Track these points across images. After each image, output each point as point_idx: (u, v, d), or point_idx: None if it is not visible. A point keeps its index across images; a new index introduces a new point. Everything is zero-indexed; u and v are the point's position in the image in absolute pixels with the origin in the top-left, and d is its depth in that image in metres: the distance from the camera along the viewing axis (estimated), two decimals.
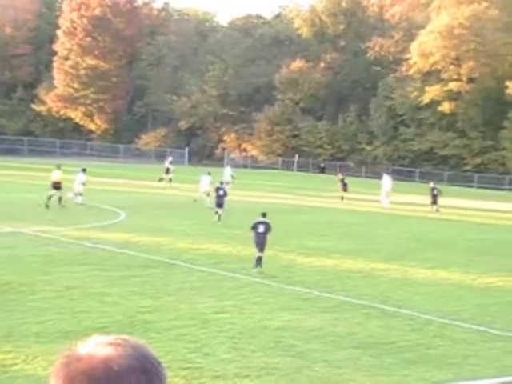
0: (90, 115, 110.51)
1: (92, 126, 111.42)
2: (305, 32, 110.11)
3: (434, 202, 49.78)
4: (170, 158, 63.42)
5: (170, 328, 16.64)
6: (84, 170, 44.05)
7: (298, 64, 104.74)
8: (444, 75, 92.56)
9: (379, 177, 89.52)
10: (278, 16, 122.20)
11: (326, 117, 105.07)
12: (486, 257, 29.96)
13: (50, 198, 39.93)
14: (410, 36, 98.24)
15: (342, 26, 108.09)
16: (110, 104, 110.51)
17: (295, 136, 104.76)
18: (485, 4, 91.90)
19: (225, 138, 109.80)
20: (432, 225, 41.79)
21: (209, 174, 46.30)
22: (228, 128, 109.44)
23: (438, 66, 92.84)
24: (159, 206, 43.32)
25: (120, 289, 20.36)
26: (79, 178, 43.34)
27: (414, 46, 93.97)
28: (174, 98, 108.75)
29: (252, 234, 25.55)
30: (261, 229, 25.32)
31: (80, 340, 1.86)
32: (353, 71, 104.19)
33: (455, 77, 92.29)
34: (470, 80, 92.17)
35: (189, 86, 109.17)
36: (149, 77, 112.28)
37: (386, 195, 53.98)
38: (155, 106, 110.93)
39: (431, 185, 51.72)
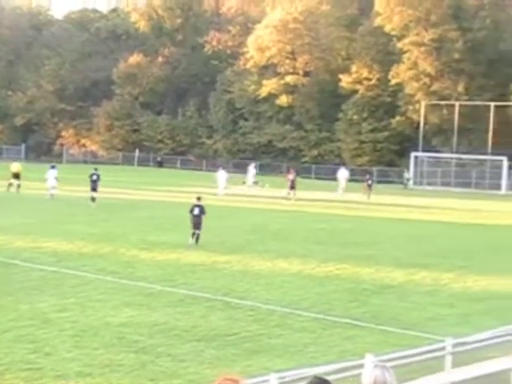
0: None
1: None
2: (142, 26, 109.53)
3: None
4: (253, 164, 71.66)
5: (8, 329, 16.23)
6: (53, 167, 48.50)
7: (135, 58, 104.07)
8: (280, 69, 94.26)
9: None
10: (114, 10, 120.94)
11: (166, 111, 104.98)
12: (324, 246, 30.74)
13: (10, 185, 49.58)
14: (246, 30, 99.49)
15: (179, 20, 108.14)
16: None
17: (135, 131, 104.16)
18: None
19: (63, 133, 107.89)
20: (273, 216, 42.49)
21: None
22: (66, 123, 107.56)
23: (275, 60, 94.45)
24: None
25: None
26: (52, 173, 47.16)
27: (251, 40, 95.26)
28: (9, 93, 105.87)
29: (189, 216, 29.92)
30: (196, 211, 29.77)
31: None
32: (191, 65, 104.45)
33: (291, 70, 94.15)
34: (306, 73, 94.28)
35: (24, 81, 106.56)
36: None
37: (341, 188, 62.83)
38: None
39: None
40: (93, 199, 43.57)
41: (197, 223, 29.58)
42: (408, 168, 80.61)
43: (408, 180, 79.33)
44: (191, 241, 29.41)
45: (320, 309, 19.54)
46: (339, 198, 58.18)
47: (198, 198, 30.73)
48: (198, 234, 29.53)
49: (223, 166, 67.79)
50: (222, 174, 58.32)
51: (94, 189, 44.15)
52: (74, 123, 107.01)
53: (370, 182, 61.46)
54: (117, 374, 13.70)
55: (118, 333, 16.33)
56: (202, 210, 29.90)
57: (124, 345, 15.49)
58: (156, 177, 75.16)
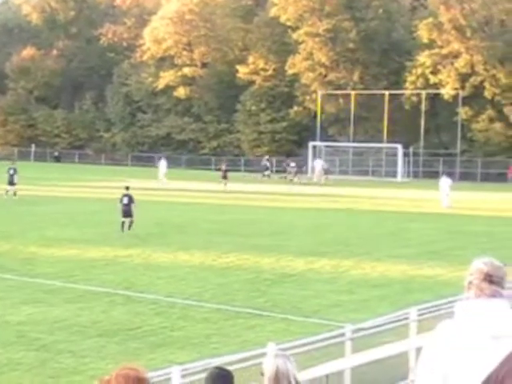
0: None
1: None
2: (34, 19, 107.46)
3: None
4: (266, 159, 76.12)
5: None
6: None
7: (29, 52, 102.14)
8: (178, 61, 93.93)
9: (119, 163, 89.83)
10: (5, 2, 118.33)
11: (63, 105, 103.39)
12: (225, 237, 30.86)
13: None
14: (142, 22, 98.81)
15: (72, 13, 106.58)
16: None
17: (30, 126, 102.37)
18: None
19: None
20: (173, 209, 42.41)
21: None
22: None
23: (172, 52, 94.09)
24: None
25: None
26: None
27: (147, 32, 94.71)
28: None
29: (118, 205, 31.27)
30: (125, 200, 31.18)
31: None
32: (87, 58, 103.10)
33: (188, 62, 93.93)
34: (203, 65, 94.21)
35: None
36: None
37: (319, 176, 68.80)
38: None
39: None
40: (12, 193, 45.23)
41: (126, 212, 31.02)
42: (306, 158, 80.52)
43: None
44: (122, 230, 30.72)
45: (222, 300, 19.66)
46: (320, 188, 61.14)
47: (127, 188, 32.22)
48: (131, 221, 30.94)
49: (164, 156, 70.12)
50: (163, 165, 62.84)
51: (11, 182, 45.71)
52: None
53: (294, 169, 68.28)
54: (16, 373, 13.52)
55: (17, 331, 16.09)
56: (131, 199, 31.25)
57: (24, 343, 15.28)
58: (53, 172, 73.99)
